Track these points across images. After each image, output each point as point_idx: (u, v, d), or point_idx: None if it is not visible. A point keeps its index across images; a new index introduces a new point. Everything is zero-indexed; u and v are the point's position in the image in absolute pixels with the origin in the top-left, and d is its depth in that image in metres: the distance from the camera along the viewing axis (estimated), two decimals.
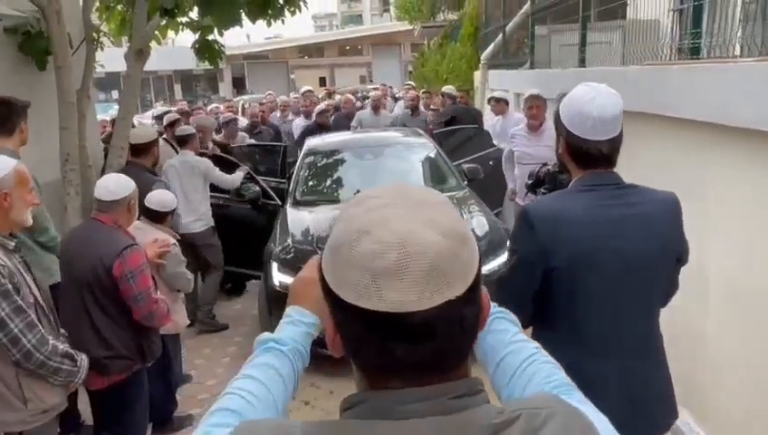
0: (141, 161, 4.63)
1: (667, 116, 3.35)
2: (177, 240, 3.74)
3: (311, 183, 5.73)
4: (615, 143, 1.80)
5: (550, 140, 4.12)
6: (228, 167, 5.66)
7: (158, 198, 3.68)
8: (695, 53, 3.49)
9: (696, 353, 3.19)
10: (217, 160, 5.63)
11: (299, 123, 7.94)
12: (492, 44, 10.72)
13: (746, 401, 2.77)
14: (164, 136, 6.23)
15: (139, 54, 4.97)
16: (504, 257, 4.25)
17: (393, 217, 0.69)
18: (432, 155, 5.85)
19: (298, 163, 5.90)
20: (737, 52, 3.61)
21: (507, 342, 1.04)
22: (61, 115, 4.57)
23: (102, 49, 5.46)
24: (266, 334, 1.05)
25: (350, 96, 9.14)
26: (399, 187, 0.76)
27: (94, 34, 5.26)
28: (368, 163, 5.81)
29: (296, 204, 5.32)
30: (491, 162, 6.22)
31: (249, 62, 41.41)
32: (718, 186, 2.96)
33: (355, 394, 0.75)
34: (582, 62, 5.62)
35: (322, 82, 37.83)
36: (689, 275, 3.20)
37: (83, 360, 2.54)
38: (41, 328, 2.34)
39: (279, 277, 4.34)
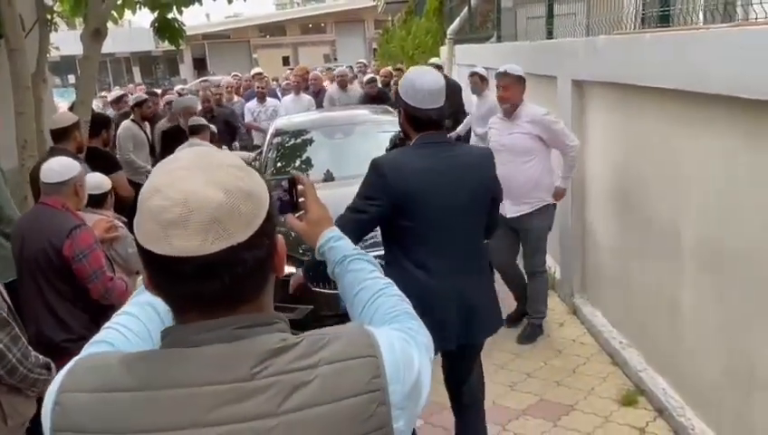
0: (63, 146, 4.30)
1: (638, 85, 3.35)
2: (125, 223, 3.64)
3: (280, 163, 5.62)
4: (441, 111, 2.36)
5: (531, 126, 4.02)
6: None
7: (93, 182, 3.47)
8: (663, 20, 3.49)
9: (673, 321, 3.24)
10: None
11: (251, 106, 7.76)
12: (457, 19, 10.64)
13: (720, 365, 2.83)
14: (131, 117, 6.10)
15: (95, 35, 4.77)
16: None
17: (182, 177, 0.81)
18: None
19: (266, 142, 5.79)
20: (700, 18, 3.64)
21: (362, 279, 1.22)
22: (16, 100, 4.39)
23: (57, 30, 5.24)
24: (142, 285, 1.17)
25: (318, 73, 8.99)
26: (201, 151, 0.88)
27: (47, 15, 5.04)
28: (337, 142, 5.73)
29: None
30: None
31: (210, 42, 40.47)
32: (690, 152, 2.98)
33: (165, 328, 0.89)
34: (550, 35, 5.60)
35: (286, 61, 37.19)
36: (665, 245, 3.26)
37: (53, 367, 2.45)
38: (24, 341, 2.28)
39: None
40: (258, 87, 7.88)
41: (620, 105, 3.75)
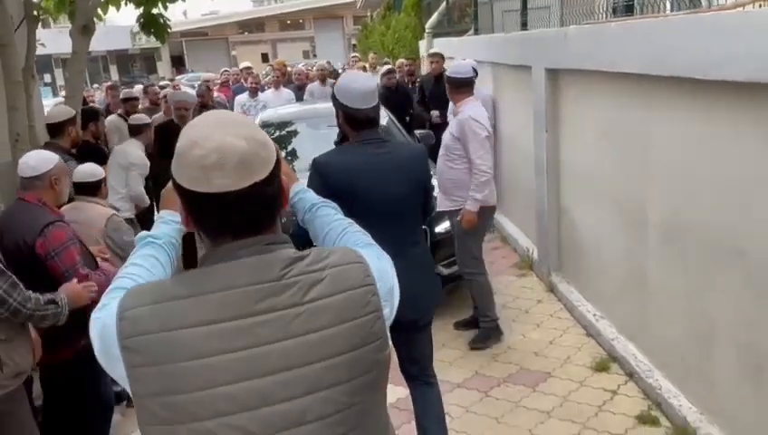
0: (57, 141, 4.37)
1: (606, 71, 3.57)
2: (117, 209, 3.69)
3: None
4: (376, 109, 2.47)
5: (455, 125, 3.95)
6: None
7: (85, 170, 3.52)
8: (628, 10, 3.72)
9: (641, 292, 3.48)
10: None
11: (242, 100, 7.83)
12: (436, 13, 10.84)
13: (683, 328, 3.06)
14: (119, 112, 6.11)
15: (84, 31, 4.90)
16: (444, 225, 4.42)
17: (212, 132, 1.04)
18: (384, 123, 5.98)
19: None
20: (668, 8, 3.87)
21: (329, 221, 1.46)
22: (8, 95, 4.48)
23: (44, 27, 5.33)
24: (144, 232, 1.39)
25: (302, 68, 9.11)
26: (219, 113, 1.14)
27: (35, 12, 5.13)
28: (322, 133, 5.90)
29: None
30: None
31: (187, 39, 40.26)
32: (655, 133, 3.21)
33: (204, 253, 1.12)
34: (524, 26, 5.82)
35: (265, 58, 37.14)
36: (633, 221, 3.49)
37: (63, 299, 2.61)
38: (22, 287, 2.44)
39: None
40: (252, 82, 7.85)
41: (591, 91, 3.97)
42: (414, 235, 2.65)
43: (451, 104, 4.34)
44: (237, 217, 1.06)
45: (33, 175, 2.86)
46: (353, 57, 10.13)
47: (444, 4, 10.19)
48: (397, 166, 2.51)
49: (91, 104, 6.40)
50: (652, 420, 3.14)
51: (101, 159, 4.96)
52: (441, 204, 4.08)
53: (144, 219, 5.10)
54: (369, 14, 23.87)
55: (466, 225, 3.96)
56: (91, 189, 3.48)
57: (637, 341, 3.60)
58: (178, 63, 39.63)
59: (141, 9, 5.74)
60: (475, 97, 4.14)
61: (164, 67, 39.30)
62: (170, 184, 1.38)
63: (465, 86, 4.08)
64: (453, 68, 4.21)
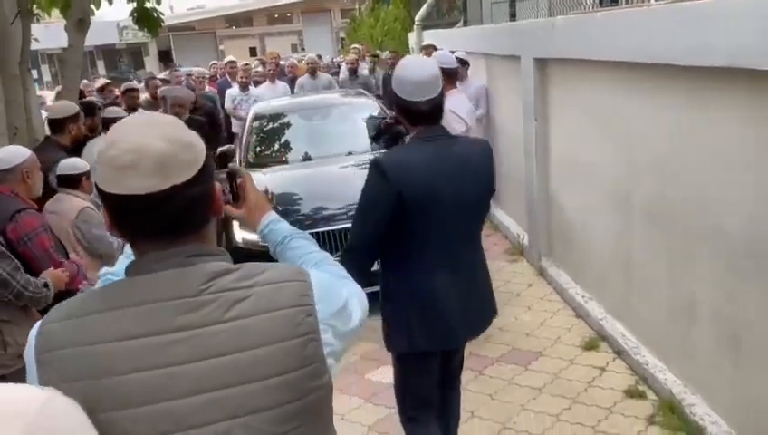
0: (56, 137, 4.38)
1: (592, 60, 3.69)
2: (97, 205, 3.66)
3: (262, 146, 5.88)
4: (433, 102, 2.20)
5: (460, 107, 3.99)
6: None
7: (68, 163, 3.60)
8: (614, 0, 3.84)
9: (627, 273, 3.62)
10: None
11: (233, 93, 7.80)
12: (425, 5, 10.91)
13: (667, 306, 3.20)
14: (123, 107, 5.87)
15: (79, 25, 4.96)
16: None
17: (132, 132, 1.01)
18: (375, 113, 6.08)
19: (247, 127, 6.02)
20: None
21: (301, 254, 1.38)
22: (5, 88, 4.55)
23: (39, 21, 5.38)
24: (105, 268, 1.42)
25: (295, 61, 9.18)
26: (148, 114, 1.14)
27: (29, 6, 5.18)
28: (315, 124, 6.00)
29: (250, 166, 5.47)
30: None
31: (174, 34, 40.02)
32: (639, 119, 3.34)
33: (127, 265, 1.08)
34: (513, 17, 5.93)
35: (253, 52, 37.04)
36: (619, 204, 3.62)
37: (49, 282, 2.76)
38: (22, 270, 2.61)
39: (241, 235, 4.53)
40: (242, 77, 7.78)
41: (578, 80, 4.09)
42: (475, 245, 2.39)
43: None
44: (155, 222, 1.01)
45: (6, 168, 2.96)
46: (354, 48, 10.01)
47: None
48: (463, 165, 2.22)
49: (90, 98, 6.35)
50: (639, 394, 3.28)
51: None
52: None
53: None
54: (357, 6, 23.88)
55: None
56: (72, 182, 3.55)
57: (624, 320, 3.74)
58: (166, 58, 39.37)
59: (134, 3, 5.82)
60: (459, 89, 4.21)
61: (151, 62, 39.05)
62: None
63: (447, 77, 3.95)
64: (437, 58, 4.24)
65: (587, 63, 3.80)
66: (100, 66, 37.68)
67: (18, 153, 3.01)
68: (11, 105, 4.58)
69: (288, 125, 6.09)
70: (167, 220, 1.02)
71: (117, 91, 7.23)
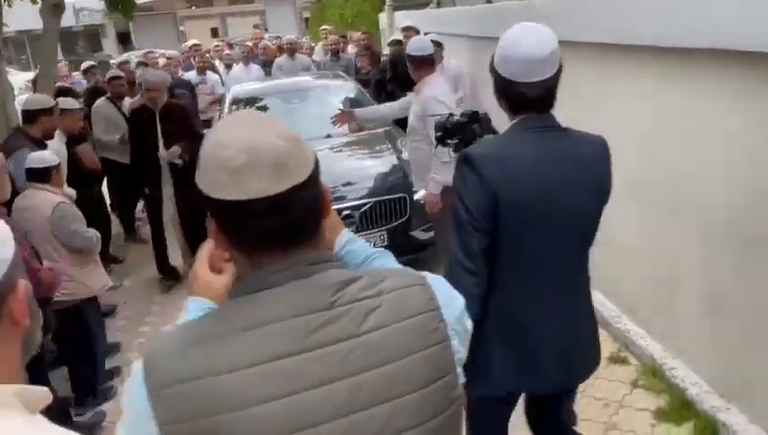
0: (26, 128, 4.31)
1: (572, 41, 3.81)
2: (71, 198, 3.70)
3: None
4: (544, 86, 1.73)
5: (416, 103, 3.85)
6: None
7: (36, 157, 3.55)
8: None
9: (611, 246, 3.77)
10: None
11: (191, 77, 7.52)
12: None
13: (650, 275, 3.38)
14: (107, 95, 5.78)
15: (54, 9, 4.88)
16: (398, 195, 4.59)
17: (242, 130, 0.92)
18: (356, 95, 6.14)
19: (226, 111, 6.01)
20: None
21: (362, 252, 1.32)
22: None
23: (11, 6, 5.26)
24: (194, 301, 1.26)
25: (268, 43, 9.11)
26: (249, 111, 1.05)
27: None
28: (295, 107, 6.02)
29: None
30: None
31: (133, 14, 39.00)
32: (619, 98, 3.48)
33: (237, 282, 0.99)
34: (489, 0, 6.00)
35: (214, 33, 36.35)
36: None
37: None
38: None
39: None
40: (199, 61, 7.57)
41: (574, 64, 4.20)
42: (582, 271, 1.91)
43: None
44: (275, 228, 0.91)
45: None
46: (323, 30, 9.87)
47: None
48: (577, 166, 1.77)
49: (69, 84, 6.17)
50: (622, 360, 3.46)
51: (77, 137, 4.98)
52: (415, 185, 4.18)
53: (89, 206, 4.56)
54: None
55: (429, 207, 3.90)
56: (41, 176, 3.49)
57: (607, 291, 3.92)
58: (125, 41, 38.35)
59: None
60: (438, 73, 4.16)
61: (110, 44, 37.98)
62: (197, 265, 1.18)
63: (425, 64, 4.01)
64: (411, 45, 4.17)
65: (570, 45, 3.90)
66: (57, 49, 36.47)
67: None
68: None
69: (270, 108, 6.09)
70: (286, 226, 0.92)
71: (98, 75, 7.04)
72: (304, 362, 0.88)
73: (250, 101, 6.16)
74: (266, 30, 36.87)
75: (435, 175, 3.78)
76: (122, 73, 6.00)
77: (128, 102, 5.56)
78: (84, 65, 7.74)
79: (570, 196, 1.74)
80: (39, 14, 4.92)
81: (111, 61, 11.17)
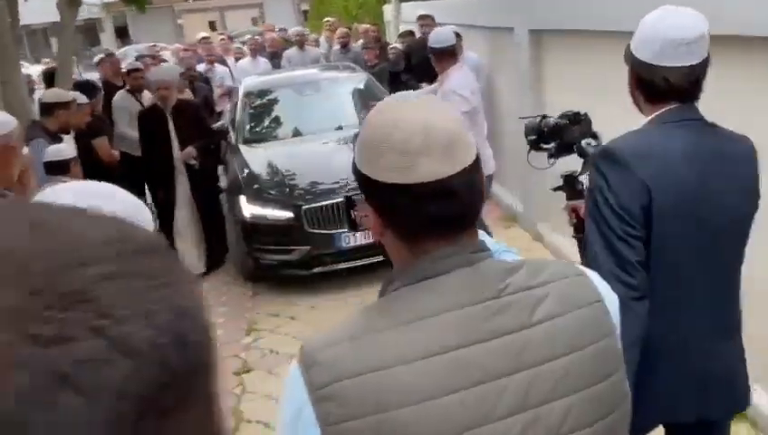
0: (42, 121, 4.30)
1: (592, 30, 3.85)
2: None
3: (256, 121, 5.93)
4: (691, 72, 1.53)
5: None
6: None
7: (54, 150, 3.63)
8: None
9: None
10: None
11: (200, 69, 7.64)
12: None
13: None
14: (126, 87, 5.76)
15: (71, 2, 4.89)
16: None
17: (413, 112, 0.89)
18: (368, 86, 6.17)
19: (239, 103, 6.03)
20: None
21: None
22: (2, 70, 4.51)
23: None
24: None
25: (275, 35, 9.11)
26: (410, 92, 1.13)
27: None
28: (308, 98, 6.05)
29: (246, 142, 5.53)
30: None
31: (130, 9, 38.83)
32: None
33: (395, 269, 0.93)
34: None
35: (212, 26, 36.22)
36: None
37: None
38: None
39: (249, 209, 4.63)
40: (208, 54, 7.63)
41: (576, 52, 4.25)
42: (735, 290, 1.68)
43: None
44: (446, 213, 0.88)
45: None
46: (327, 21, 9.90)
47: None
48: (726, 166, 1.57)
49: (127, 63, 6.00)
50: None
51: (95, 131, 5.00)
52: None
53: None
54: None
55: None
56: (61, 168, 3.57)
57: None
58: (123, 35, 38.24)
59: None
60: (460, 64, 4.17)
61: (107, 39, 37.88)
62: None
63: (446, 55, 4.02)
64: (433, 37, 4.19)
65: (587, 34, 3.94)
66: (54, 44, 36.36)
67: (1, 122, 2.62)
68: (7, 86, 4.54)
69: (282, 99, 6.14)
70: (456, 210, 0.89)
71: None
72: (479, 354, 0.84)
73: (262, 93, 6.20)
74: (264, 22, 36.82)
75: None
76: (141, 66, 5.99)
77: (147, 95, 5.53)
78: (96, 58, 7.72)
79: (724, 198, 1.55)
80: (56, 8, 4.93)
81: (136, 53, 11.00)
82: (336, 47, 8.19)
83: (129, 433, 0.28)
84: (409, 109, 0.90)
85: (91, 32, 39.21)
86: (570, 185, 2.29)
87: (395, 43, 7.38)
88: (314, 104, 5.99)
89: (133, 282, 0.31)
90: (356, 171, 0.93)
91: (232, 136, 5.75)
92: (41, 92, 5.37)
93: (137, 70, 5.78)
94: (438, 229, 0.90)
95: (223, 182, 5.67)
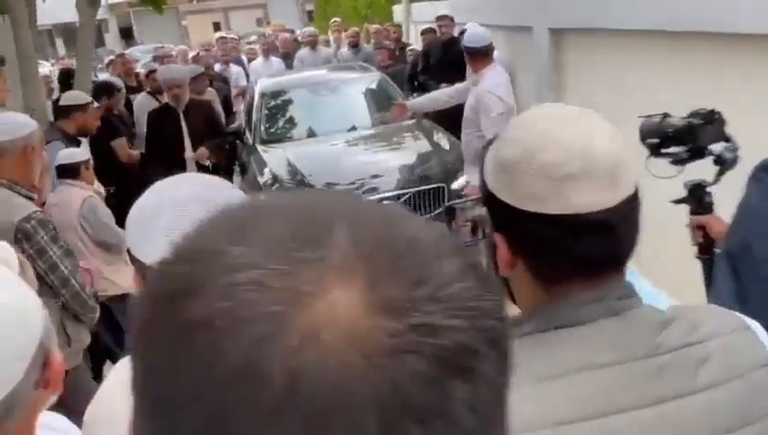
0: (60, 124, 4.26)
1: (612, 29, 3.82)
2: (101, 195, 3.75)
3: (272, 122, 5.94)
4: None
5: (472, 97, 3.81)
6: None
7: (66, 154, 3.59)
8: None
9: None
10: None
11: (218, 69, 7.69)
12: None
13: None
14: (147, 89, 5.74)
15: (91, 2, 4.90)
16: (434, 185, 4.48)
17: (568, 130, 0.75)
18: (385, 86, 6.17)
19: (255, 104, 6.04)
20: None
21: None
22: (22, 71, 4.50)
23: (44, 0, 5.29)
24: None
25: (287, 35, 9.12)
26: (558, 105, 0.87)
27: None
28: (324, 99, 6.06)
29: (263, 142, 5.53)
30: None
31: (135, 10, 38.85)
32: (664, 89, 3.50)
33: (525, 310, 0.80)
34: None
35: (217, 27, 36.22)
36: None
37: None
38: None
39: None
40: (222, 56, 7.72)
41: (596, 51, 4.23)
42: None
43: (470, 73, 4.26)
44: (601, 250, 0.75)
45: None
46: (334, 22, 9.94)
47: None
48: None
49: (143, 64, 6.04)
50: None
51: (112, 131, 4.99)
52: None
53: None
54: None
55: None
56: (71, 172, 3.53)
57: None
58: (127, 36, 38.33)
59: None
60: (495, 64, 4.11)
61: (112, 40, 37.95)
62: None
63: (481, 54, 3.98)
64: (467, 36, 4.18)
65: (608, 33, 3.92)
66: (60, 45, 36.44)
67: (22, 124, 2.53)
68: (27, 87, 4.54)
69: (299, 100, 6.15)
70: (610, 250, 0.76)
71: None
72: (629, 425, 0.70)
73: (277, 94, 6.20)
74: (268, 23, 36.83)
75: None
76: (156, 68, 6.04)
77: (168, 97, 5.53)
78: (107, 59, 7.75)
79: None
80: (75, 8, 4.93)
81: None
82: (344, 48, 8.20)
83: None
84: (566, 123, 0.76)
85: (96, 33, 39.32)
86: (696, 197, 1.97)
87: (412, 44, 7.39)
88: (330, 104, 6.00)
89: (469, 274, 0.34)
90: (487, 194, 0.79)
91: (249, 136, 5.76)
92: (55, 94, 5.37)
93: (155, 71, 5.77)
94: (586, 270, 0.75)
95: (237, 183, 5.67)
